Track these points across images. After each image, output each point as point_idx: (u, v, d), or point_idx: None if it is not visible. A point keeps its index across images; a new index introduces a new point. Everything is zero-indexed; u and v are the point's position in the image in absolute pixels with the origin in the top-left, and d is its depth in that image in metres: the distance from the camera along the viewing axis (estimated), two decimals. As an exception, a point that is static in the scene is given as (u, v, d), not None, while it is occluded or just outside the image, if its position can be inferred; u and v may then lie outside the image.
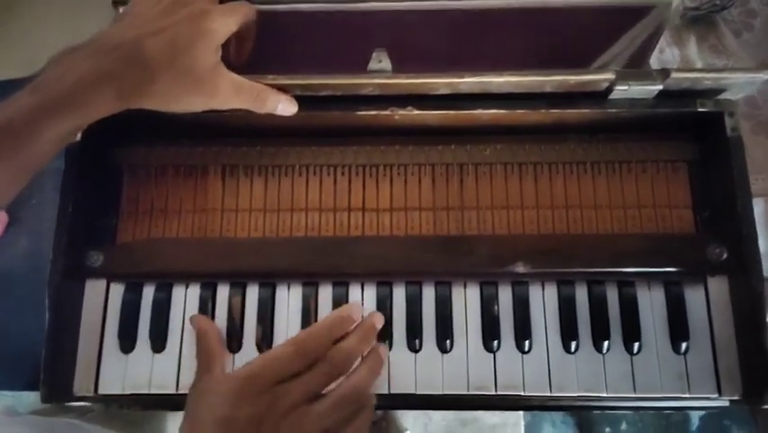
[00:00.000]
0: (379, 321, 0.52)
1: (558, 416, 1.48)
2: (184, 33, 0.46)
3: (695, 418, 1.49)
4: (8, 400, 0.82)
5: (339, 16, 0.55)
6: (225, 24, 0.47)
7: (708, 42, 0.85)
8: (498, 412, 1.16)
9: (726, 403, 0.51)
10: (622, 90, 0.51)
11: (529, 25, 0.57)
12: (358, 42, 0.54)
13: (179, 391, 0.52)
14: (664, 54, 0.83)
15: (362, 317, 0.53)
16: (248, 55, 0.54)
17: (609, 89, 0.51)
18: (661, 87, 0.51)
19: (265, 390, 0.46)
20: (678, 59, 0.83)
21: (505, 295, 0.53)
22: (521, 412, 1.26)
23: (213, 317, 0.54)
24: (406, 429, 1.22)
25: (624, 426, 1.49)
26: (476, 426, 1.16)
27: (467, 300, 0.53)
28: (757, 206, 0.75)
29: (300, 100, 0.52)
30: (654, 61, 0.83)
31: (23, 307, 0.73)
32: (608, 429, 1.48)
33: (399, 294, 0.54)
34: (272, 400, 0.45)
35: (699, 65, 0.83)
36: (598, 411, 0.59)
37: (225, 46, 0.49)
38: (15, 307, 0.74)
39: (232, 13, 0.48)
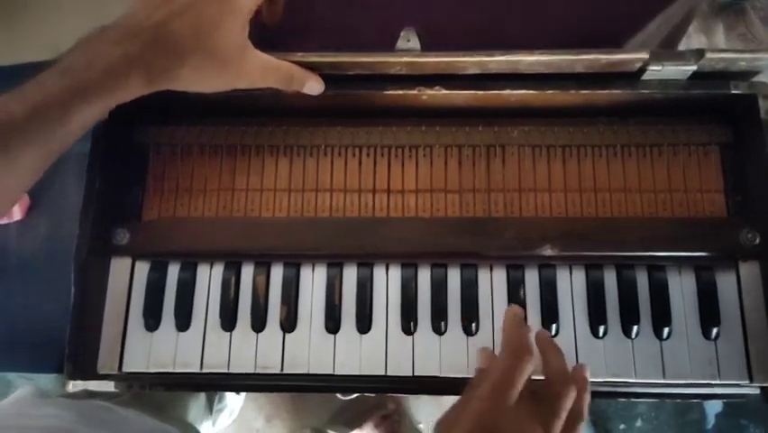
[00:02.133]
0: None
1: (573, 412, 1.47)
2: (209, 12, 0.45)
3: (711, 415, 1.47)
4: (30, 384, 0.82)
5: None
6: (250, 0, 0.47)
7: (736, 31, 0.83)
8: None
9: (757, 391, 0.50)
10: (655, 71, 0.50)
11: (563, 5, 0.57)
12: (386, 20, 0.54)
13: (203, 370, 0.52)
14: (691, 41, 0.82)
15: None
16: (281, 14, 0.53)
17: (642, 70, 0.51)
18: (695, 67, 0.50)
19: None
20: (705, 46, 0.82)
21: (532, 278, 0.53)
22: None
23: (237, 296, 0.53)
24: (419, 423, 1.22)
25: (639, 423, 1.47)
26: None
27: (493, 283, 0.53)
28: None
29: (327, 79, 0.52)
30: (683, 48, 0.82)
31: (46, 290, 0.74)
32: (622, 426, 1.47)
33: (424, 276, 0.53)
34: None
35: (726, 53, 0.82)
36: (624, 400, 0.58)
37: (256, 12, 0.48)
38: (38, 290, 0.74)
39: None
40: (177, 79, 0.47)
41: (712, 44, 0.80)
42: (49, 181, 0.78)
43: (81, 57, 0.45)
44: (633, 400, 0.54)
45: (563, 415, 0.42)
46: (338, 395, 0.83)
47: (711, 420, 1.47)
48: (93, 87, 0.44)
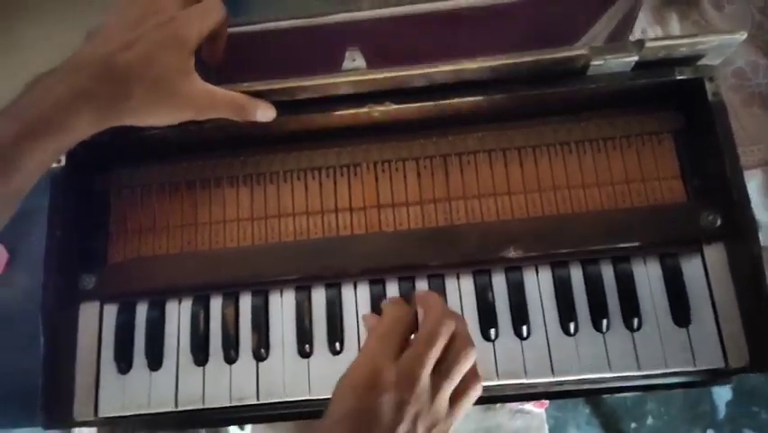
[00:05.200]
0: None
1: (582, 417, 1.45)
2: (153, 44, 0.46)
3: (722, 406, 1.46)
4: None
5: (306, 31, 0.55)
6: (194, 30, 0.48)
7: (690, 19, 0.84)
8: (520, 416, 1.14)
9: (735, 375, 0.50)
10: (598, 65, 0.51)
11: (503, 18, 0.57)
12: (331, 48, 0.54)
13: (178, 408, 0.52)
14: (647, 34, 0.83)
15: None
16: (221, 54, 0.54)
17: (586, 66, 0.51)
18: (636, 58, 0.50)
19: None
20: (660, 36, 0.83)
21: (499, 282, 0.52)
22: (544, 415, 1.24)
23: (207, 329, 0.53)
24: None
25: (650, 420, 1.46)
26: (500, 432, 1.14)
27: (461, 291, 0.53)
28: (754, 178, 0.74)
29: (278, 105, 0.52)
30: (637, 42, 0.83)
31: (27, 344, 0.73)
32: (633, 425, 1.45)
33: (393, 291, 0.53)
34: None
35: (682, 42, 0.83)
36: (608, 395, 0.58)
37: (198, 49, 0.49)
38: (19, 344, 0.73)
39: (200, 17, 0.49)
40: (126, 111, 0.47)
41: (667, 34, 0.81)
42: (26, 235, 0.78)
43: (28, 97, 0.45)
44: (616, 394, 0.54)
45: (439, 342, 0.43)
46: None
47: (722, 410, 1.45)
48: (41, 126, 0.44)
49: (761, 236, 0.71)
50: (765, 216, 0.72)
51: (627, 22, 0.61)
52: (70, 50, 0.51)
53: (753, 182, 0.73)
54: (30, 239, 0.77)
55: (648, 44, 0.49)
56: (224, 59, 0.54)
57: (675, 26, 0.83)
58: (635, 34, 0.82)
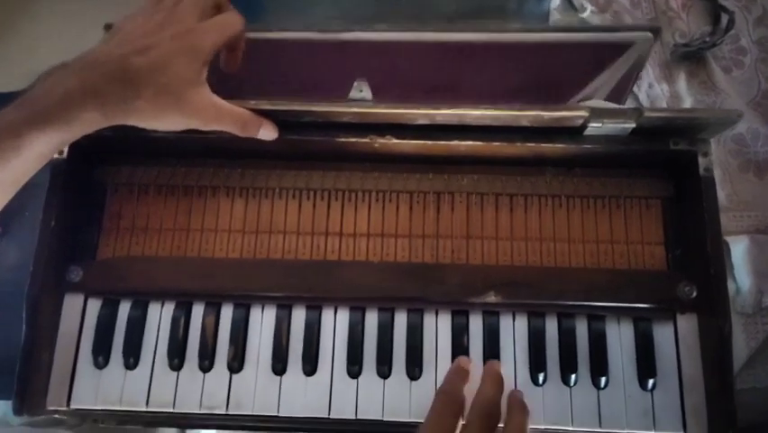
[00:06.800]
0: (498, 365, 0.52)
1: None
2: (167, 52, 0.47)
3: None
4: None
5: (321, 44, 0.56)
6: (210, 42, 0.49)
7: (698, 78, 0.86)
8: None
9: None
10: (596, 127, 0.52)
11: (510, 58, 0.59)
12: (340, 71, 0.56)
13: (149, 409, 0.53)
14: (653, 89, 0.84)
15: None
16: (238, 63, 0.55)
17: (584, 126, 0.52)
18: (634, 125, 0.51)
19: None
20: (667, 94, 0.84)
21: (476, 325, 0.54)
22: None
23: (186, 336, 0.54)
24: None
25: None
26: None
27: (438, 329, 0.54)
28: (741, 243, 0.75)
29: (282, 125, 0.53)
30: (644, 96, 0.84)
31: (12, 317, 0.74)
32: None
33: (372, 320, 0.54)
34: None
35: (688, 101, 0.84)
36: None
37: (215, 57, 0.50)
38: (4, 316, 0.74)
39: (217, 30, 0.50)
40: (132, 112, 0.48)
41: (674, 92, 0.82)
42: (20, 209, 0.79)
43: (39, 88, 0.46)
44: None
45: None
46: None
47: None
48: (48, 116, 0.45)
49: (742, 302, 0.73)
50: (747, 282, 0.73)
51: (630, 77, 0.62)
52: (76, 44, 0.52)
53: (738, 247, 0.74)
54: (23, 214, 0.78)
55: (646, 114, 0.51)
56: (240, 69, 0.56)
57: (682, 84, 0.85)
58: (641, 89, 0.84)
